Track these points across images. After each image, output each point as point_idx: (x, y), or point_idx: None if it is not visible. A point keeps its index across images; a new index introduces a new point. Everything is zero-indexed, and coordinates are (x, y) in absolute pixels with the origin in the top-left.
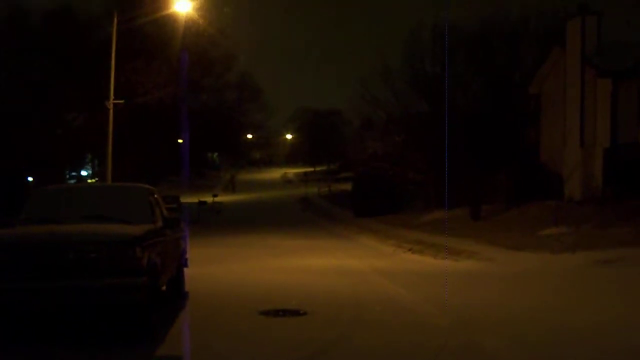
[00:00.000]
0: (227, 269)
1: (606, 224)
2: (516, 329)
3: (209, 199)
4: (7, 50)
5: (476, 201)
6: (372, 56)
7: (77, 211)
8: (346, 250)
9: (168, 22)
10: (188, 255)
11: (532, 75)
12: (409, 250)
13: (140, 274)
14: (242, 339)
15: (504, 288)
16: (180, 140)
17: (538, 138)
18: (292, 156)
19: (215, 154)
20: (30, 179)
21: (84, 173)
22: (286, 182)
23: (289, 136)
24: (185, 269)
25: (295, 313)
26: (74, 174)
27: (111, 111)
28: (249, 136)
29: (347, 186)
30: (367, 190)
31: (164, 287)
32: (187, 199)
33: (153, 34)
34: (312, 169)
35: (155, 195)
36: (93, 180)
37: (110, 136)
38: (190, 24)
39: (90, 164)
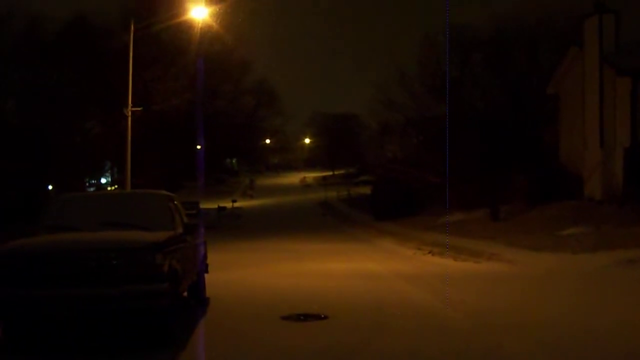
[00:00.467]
0: (248, 274)
1: (627, 223)
2: (539, 331)
3: (228, 204)
4: (25, 61)
5: (495, 202)
6: (388, 59)
7: (97, 219)
8: (366, 253)
9: (184, 29)
10: (208, 261)
11: (550, 76)
12: (429, 252)
13: (162, 280)
14: (264, 345)
15: (525, 290)
16: (198, 147)
17: (557, 139)
18: (310, 160)
19: (234, 160)
20: (50, 187)
21: (103, 181)
22: (305, 186)
23: (307, 140)
24: (205, 275)
25: (317, 317)
26: (93, 181)
27: (129, 119)
28: (267, 141)
29: (366, 190)
30: (386, 194)
31: (185, 293)
32: (207, 205)
33: (170, 42)
34: (330, 173)
35: (175, 202)
36: (112, 188)
37: (129, 143)
38: (206, 31)
39: (109, 171)
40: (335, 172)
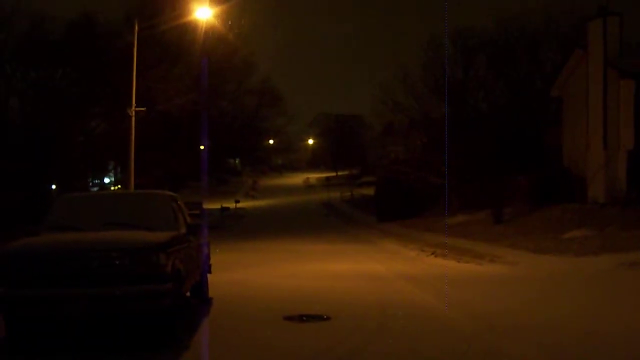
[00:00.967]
0: (251, 274)
1: (630, 226)
2: (540, 334)
3: (231, 204)
4: (28, 60)
5: (498, 204)
6: (392, 60)
7: (100, 219)
8: (369, 254)
9: (189, 30)
10: (211, 261)
11: (553, 78)
12: (432, 254)
13: (165, 280)
14: (267, 345)
15: (527, 292)
16: (202, 147)
17: (560, 141)
18: (313, 161)
19: (237, 160)
20: (53, 187)
21: (106, 180)
22: (308, 187)
23: (310, 141)
24: (208, 275)
25: (320, 318)
26: (96, 181)
27: (133, 119)
28: (270, 142)
29: (370, 191)
30: (389, 195)
31: (187, 293)
32: (210, 205)
33: (174, 42)
34: (334, 174)
35: (178, 202)
36: (115, 188)
37: (132, 143)
38: (210, 32)
39: (112, 171)
40: (339, 173)
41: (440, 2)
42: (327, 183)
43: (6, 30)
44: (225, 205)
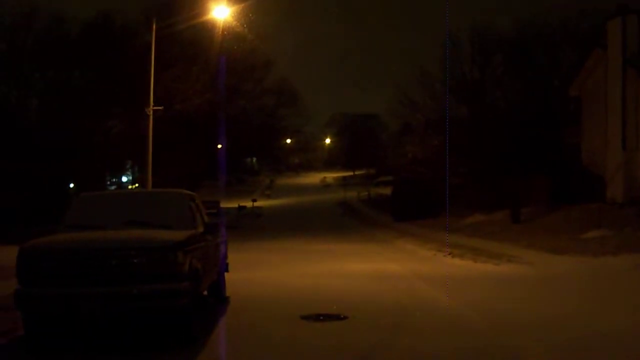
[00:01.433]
0: (268, 273)
1: None
2: (558, 334)
3: (248, 203)
4: (47, 59)
5: (516, 204)
6: (409, 60)
7: (118, 217)
8: (386, 254)
9: (206, 29)
10: (228, 260)
11: (572, 78)
12: (449, 254)
13: (182, 279)
14: (284, 344)
15: (545, 292)
16: (219, 146)
17: (579, 140)
18: (330, 161)
19: (254, 159)
20: (71, 186)
21: (124, 179)
22: (325, 186)
23: (327, 141)
24: (225, 274)
25: (336, 317)
26: (114, 180)
27: (150, 118)
28: (288, 141)
29: (386, 190)
30: (406, 195)
31: (205, 292)
32: (227, 204)
33: (191, 41)
34: (350, 174)
35: (196, 201)
36: (133, 187)
37: (150, 143)
38: (228, 30)
39: (130, 170)
40: (355, 173)
41: (457, 1)
42: (343, 182)
43: (25, 30)
44: (242, 204)
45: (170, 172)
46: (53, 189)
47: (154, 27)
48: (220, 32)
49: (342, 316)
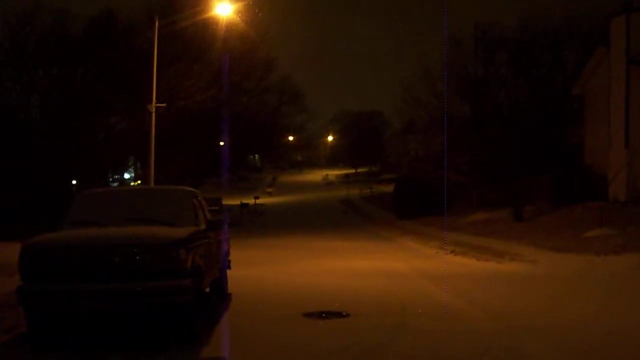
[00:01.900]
0: (270, 270)
1: None
2: (562, 334)
3: (250, 201)
4: (49, 56)
5: (519, 202)
6: (413, 57)
7: (121, 214)
8: (389, 252)
9: (209, 26)
10: (231, 257)
11: (575, 77)
12: (452, 252)
13: (185, 276)
14: (286, 341)
15: (548, 291)
16: (221, 143)
17: (582, 139)
18: (333, 158)
19: (257, 156)
20: (73, 182)
21: (126, 176)
22: (327, 184)
23: (330, 138)
24: (228, 271)
25: (339, 315)
26: (116, 177)
27: (153, 115)
28: (290, 138)
29: (389, 188)
30: (409, 192)
31: (207, 289)
32: (229, 201)
33: (194, 38)
34: (353, 171)
35: (198, 198)
36: (135, 184)
37: (153, 140)
38: (231, 28)
39: (132, 167)
40: (358, 170)
41: (464, 0)
42: (346, 180)
43: (28, 28)
44: (244, 201)
45: (172, 169)
46: (55, 187)
47: (157, 24)
48: (222, 30)
49: (344, 314)
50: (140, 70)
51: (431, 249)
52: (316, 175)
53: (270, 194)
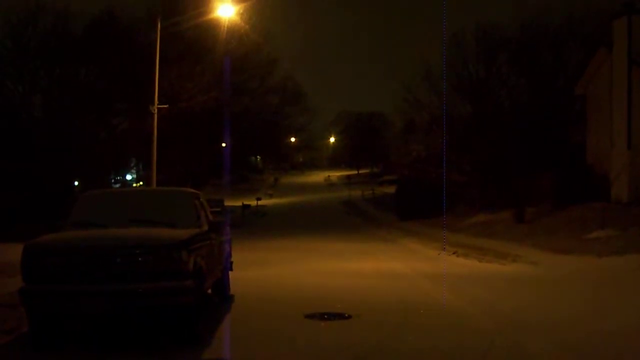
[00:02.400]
0: (272, 272)
1: None
2: (563, 333)
3: (252, 202)
4: (52, 56)
5: (520, 203)
6: (414, 57)
7: (123, 215)
8: (390, 253)
9: (211, 27)
10: (232, 259)
11: (578, 77)
12: (454, 253)
13: (187, 277)
14: (288, 342)
15: (550, 292)
16: (223, 145)
17: (584, 140)
18: (335, 159)
19: (259, 158)
20: (76, 183)
21: (128, 177)
22: (329, 185)
23: (331, 139)
24: (230, 272)
25: (341, 316)
26: (118, 178)
27: (155, 116)
28: (292, 139)
29: (391, 189)
30: (410, 193)
31: (209, 291)
32: (231, 203)
33: (196, 39)
34: (355, 172)
35: (200, 199)
36: (137, 185)
37: (155, 141)
38: (233, 29)
39: (134, 168)
40: (360, 171)
41: (465, 1)
42: (348, 181)
43: (31, 27)
44: (246, 202)
45: (174, 171)
46: (55, 187)
47: (159, 25)
48: (224, 31)
49: (346, 315)
50: (142, 70)
51: (433, 250)
52: (318, 177)
53: (271, 196)
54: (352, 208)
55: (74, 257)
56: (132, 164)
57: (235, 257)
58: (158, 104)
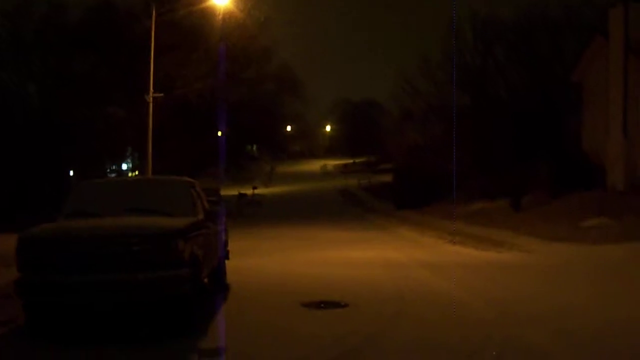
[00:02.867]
0: (268, 261)
1: None
2: (561, 322)
3: (248, 191)
4: (46, 45)
5: (517, 192)
6: (411, 46)
7: (119, 205)
8: (387, 242)
9: (207, 15)
10: (229, 248)
11: (574, 65)
12: (450, 241)
13: (183, 266)
14: (284, 331)
15: (547, 280)
16: (219, 133)
17: (580, 128)
18: (331, 148)
19: (255, 146)
20: (71, 173)
21: (124, 167)
22: (325, 174)
23: (328, 128)
24: (226, 261)
25: (337, 305)
26: (114, 167)
27: (150, 105)
28: (288, 128)
29: (387, 178)
30: (407, 182)
31: (205, 280)
32: (227, 192)
33: (191, 27)
34: (351, 161)
35: (197, 188)
36: (133, 174)
37: (150, 129)
38: (228, 17)
39: (130, 157)
40: (356, 160)
41: None
42: (344, 170)
43: (25, 16)
44: (242, 191)
45: (170, 160)
46: (54, 176)
47: (154, 12)
48: (220, 19)
49: (343, 304)
50: (138, 59)
51: (430, 238)
52: (314, 166)
53: (267, 185)
54: (349, 197)
55: (68, 247)
56: (128, 154)
57: (232, 246)
58: (154, 93)
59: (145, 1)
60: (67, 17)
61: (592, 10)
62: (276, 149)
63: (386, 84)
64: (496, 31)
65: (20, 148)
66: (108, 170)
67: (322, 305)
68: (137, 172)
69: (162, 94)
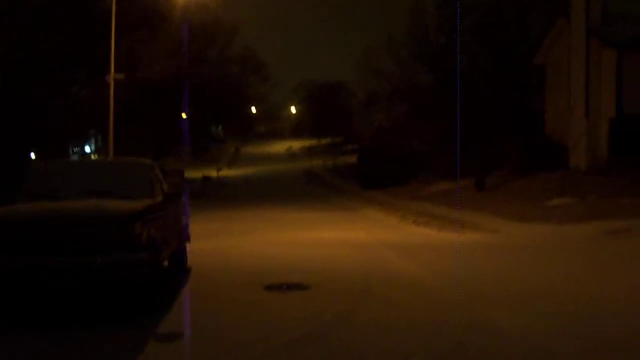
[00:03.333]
0: (231, 243)
1: (612, 194)
2: (526, 302)
3: (213, 172)
4: (7, 24)
5: (481, 172)
6: (376, 26)
7: (77, 187)
8: (352, 222)
9: None
10: (190, 230)
11: (538, 46)
12: (414, 222)
13: (140, 249)
14: (247, 315)
15: (511, 260)
16: (183, 115)
17: (543, 108)
18: (297, 129)
19: (220, 127)
20: (32, 154)
21: (87, 149)
22: (291, 155)
23: (293, 109)
24: (188, 244)
25: (301, 287)
26: (76, 149)
27: (112, 85)
28: (253, 109)
29: (352, 159)
30: (372, 162)
31: (165, 262)
32: (192, 173)
33: (154, 5)
34: (316, 142)
35: (156, 170)
36: (96, 156)
37: (112, 110)
38: None
39: (94, 139)
40: (322, 141)
41: None
42: (309, 151)
43: None
44: (206, 174)
45: (134, 141)
46: (12, 157)
47: None
48: None
49: (306, 285)
50: (100, 37)
51: (395, 219)
52: (280, 147)
53: (231, 166)
54: (314, 178)
55: (24, 229)
56: (91, 135)
57: (196, 229)
58: (116, 73)
59: None
60: None
61: None
62: (241, 130)
63: (352, 65)
64: (462, 9)
65: None
66: (71, 152)
67: (284, 287)
68: (100, 154)
69: (122, 75)
